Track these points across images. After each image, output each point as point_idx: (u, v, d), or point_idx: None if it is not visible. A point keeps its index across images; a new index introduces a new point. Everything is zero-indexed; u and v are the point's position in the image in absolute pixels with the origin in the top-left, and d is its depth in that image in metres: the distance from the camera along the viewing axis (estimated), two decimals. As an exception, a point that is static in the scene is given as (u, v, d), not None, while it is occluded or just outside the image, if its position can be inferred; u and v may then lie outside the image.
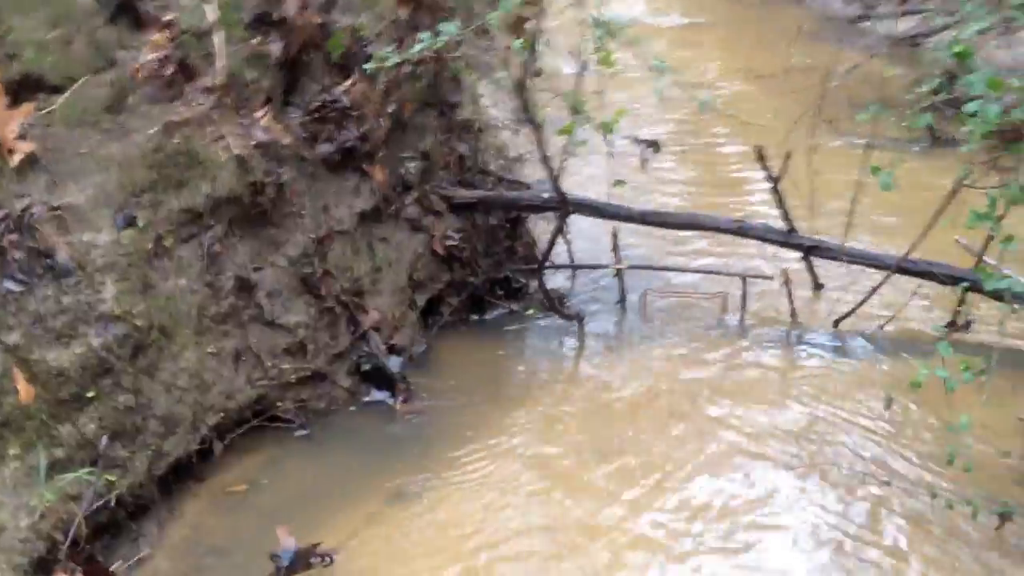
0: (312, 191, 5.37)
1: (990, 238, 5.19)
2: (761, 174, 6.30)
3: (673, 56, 11.04)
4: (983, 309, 5.76)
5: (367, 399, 5.48)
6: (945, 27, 9.20)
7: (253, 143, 4.93)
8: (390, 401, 5.45)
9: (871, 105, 4.45)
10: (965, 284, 5.41)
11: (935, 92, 5.03)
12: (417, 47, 4.12)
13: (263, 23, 5.26)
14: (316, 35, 5.33)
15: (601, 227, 6.87)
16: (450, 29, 3.94)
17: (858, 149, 7.93)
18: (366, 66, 4.51)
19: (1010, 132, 3.44)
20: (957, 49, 3.55)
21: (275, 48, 5.23)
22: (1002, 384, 5.47)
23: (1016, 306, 5.20)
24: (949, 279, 5.71)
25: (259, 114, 5.03)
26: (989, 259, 5.59)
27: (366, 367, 5.47)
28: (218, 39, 4.83)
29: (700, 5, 14.71)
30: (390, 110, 5.68)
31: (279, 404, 5.09)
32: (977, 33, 3.56)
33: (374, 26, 5.51)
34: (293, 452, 5.06)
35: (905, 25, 13.04)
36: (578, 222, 7.20)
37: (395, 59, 4.22)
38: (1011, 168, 3.61)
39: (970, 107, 3.53)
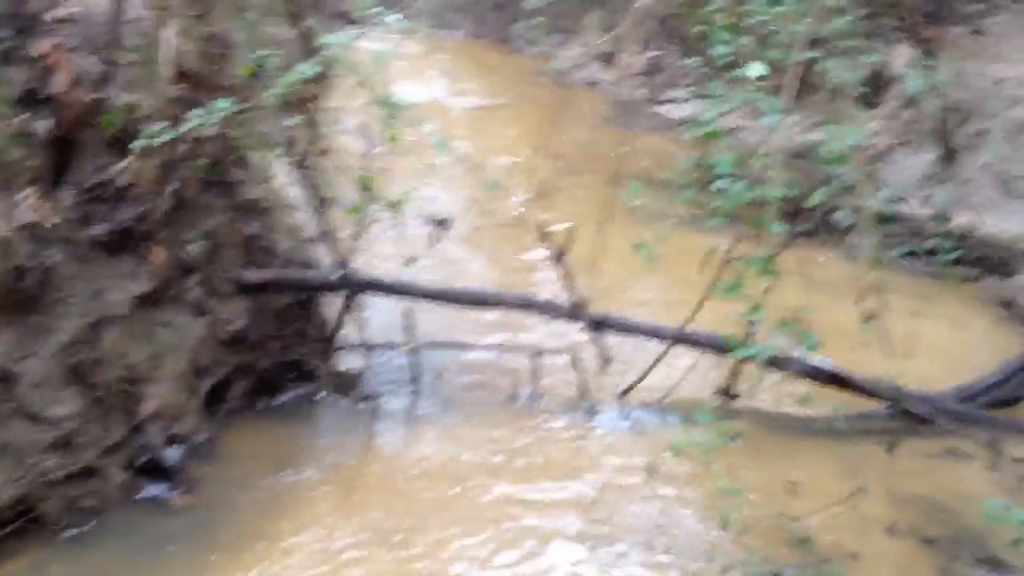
0: (84, 275, 5.13)
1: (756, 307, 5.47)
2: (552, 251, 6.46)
3: (467, 136, 11.30)
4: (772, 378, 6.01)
5: (143, 494, 5.20)
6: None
7: (16, 225, 4.69)
8: (168, 495, 5.20)
9: (633, 184, 4.65)
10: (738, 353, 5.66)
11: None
12: (190, 124, 4.03)
13: (31, 100, 5.05)
14: (89, 112, 5.14)
15: (397, 304, 6.87)
16: (222, 106, 3.89)
17: (651, 227, 8.31)
18: (135, 143, 4.38)
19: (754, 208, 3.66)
20: (707, 130, 3.77)
21: (43, 126, 5.02)
22: (773, 448, 5.78)
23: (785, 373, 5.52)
24: (720, 349, 5.97)
25: (24, 194, 4.79)
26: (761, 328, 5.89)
27: (143, 460, 5.22)
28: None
29: (499, 88, 15.13)
30: (171, 189, 5.52)
31: (43, 503, 4.77)
32: (719, 114, 3.78)
33: (151, 104, 5.37)
34: (60, 555, 4.73)
35: (691, 108, 13.78)
36: (376, 301, 7.19)
37: (166, 136, 4.12)
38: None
39: (717, 184, 3.74)
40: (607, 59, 16.71)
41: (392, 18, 4.56)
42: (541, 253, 6.94)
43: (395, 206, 6.13)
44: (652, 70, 16.00)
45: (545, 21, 16.04)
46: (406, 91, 6.18)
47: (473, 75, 16.57)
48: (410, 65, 15.58)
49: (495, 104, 14.47)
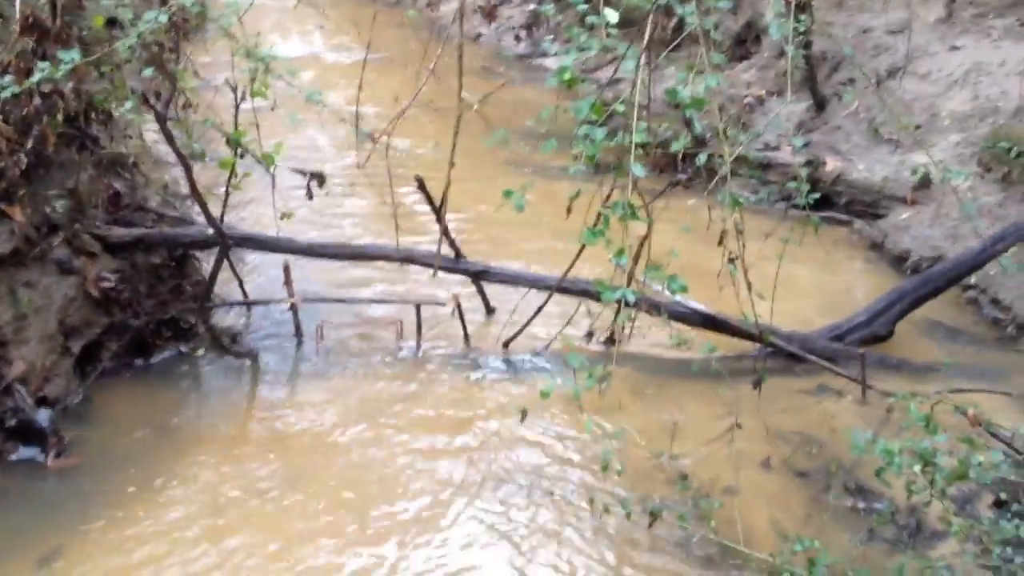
0: (-62, 235, 4.91)
1: (637, 255, 5.53)
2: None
3: (344, 89, 11.13)
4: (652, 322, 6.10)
5: (15, 457, 5.07)
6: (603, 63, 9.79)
7: None
8: (41, 458, 5.06)
9: (496, 132, 4.63)
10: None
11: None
12: (35, 77, 3.85)
13: None
14: (-66, 66, 4.90)
15: (277, 261, 6.76)
16: (70, 57, 3.72)
17: (533, 179, 8.32)
18: (-19, 98, 4.19)
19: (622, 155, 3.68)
20: (566, 77, 3.77)
21: None
22: (654, 391, 5.90)
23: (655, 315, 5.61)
24: (598, 296, 6.02)
25: None
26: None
27: (12, 422, 5.06)
28: None
29: (379, 41, 14.89)
30: (29, 145, 5.29)
31: (-93, 470, 4.59)
32: (575, 60, 3.78)
33: (2, 58, 5.12)
34: (-72, 521, 4.58)
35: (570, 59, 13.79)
36: (255, 257, 7.06)
37: (13, 90, 3.93)
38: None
39: (580, 131, 3.75)
40: (489, 13, 16.62)
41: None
42: (419, 204, 6.90)
43: (267, 160, 6.00)
44: (531, 23, 15.97)
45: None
46: (284, 45, 6.04)
47: (352, 29, 16.28)
48: (288, 18, 15.25)
49: (374, 58, 14.24)
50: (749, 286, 4.48)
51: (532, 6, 16.27)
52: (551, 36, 15.71)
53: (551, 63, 14.66)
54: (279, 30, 15.58)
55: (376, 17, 6.54)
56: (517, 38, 15.30)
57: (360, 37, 14.63)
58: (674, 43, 4.70)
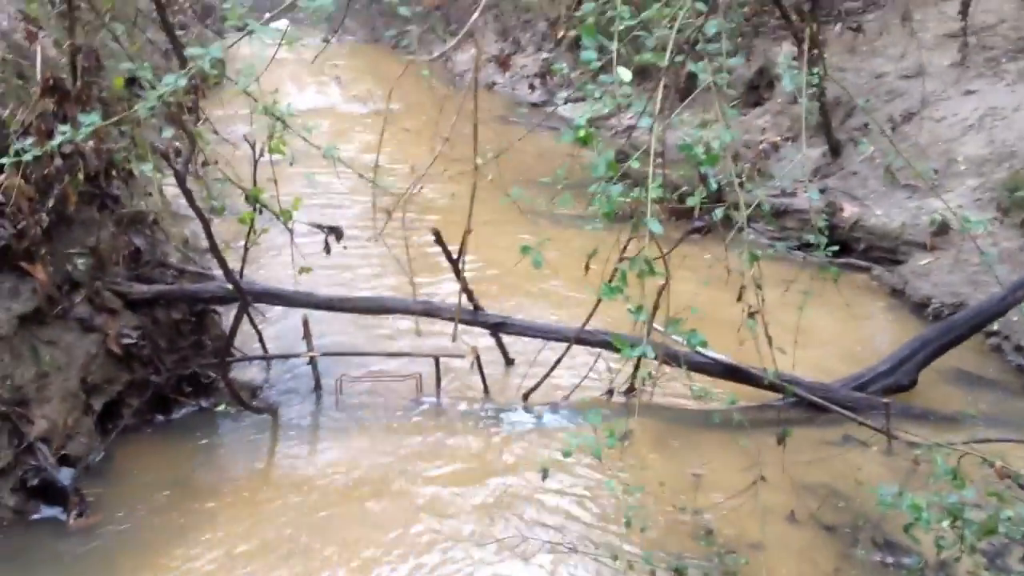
0: (-39, 295, 4.94)
1: (655, 307, 5.52)
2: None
3: (361, 141, 11.21)
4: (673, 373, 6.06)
5: (37, 516, 5.06)
6: (613, 112, 9.82)
7: None
8: (63, 517, 5.05)
9: (512, 192, 4.66)
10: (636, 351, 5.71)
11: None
12: (57, 140, 3.90)
13: None
14: (-42, 129, 4.95)
15: (296, 315, 6.77)
16: (90, 120, 3.76)
17: (550, 228, 8.35)
18: (2, 160, 4.21)
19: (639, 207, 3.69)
20: (580, 134, 3.78)
21: (-92, 143, 4.81)
22: (674, 442, 5.85)
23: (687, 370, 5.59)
24: (612, 348, 6.00)
25: None
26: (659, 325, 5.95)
27: (34, 481, 5.05)
28: None
29: (394, 92, 15.03)
30: (49, 205, 5.34)
31: (-69, 531, 4.59)
32: (590, 118, 3.80)
33: (22, 119, 5.19)
34: (-52, 583, 4.57)
35: (582, 109, 13.89)
36: (274, 311, 7.07)
37: (35, 152, 3.98)
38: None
39: (594, 187, 3.77)
40: (503, 62, 16.80)
41: (278, 24, 4.46)
42: (438, 255, 6.90)
43: (285, 216, 6.04)
44: (545, 72, 16.13)
45: (439, 26, 16.05)
46: (300, 99, 6.09)
47: (367, 80, 16.48)
48: (304, 70, 15.43)
49: (392, 109, 14.37)
50: (770, 341, 4.45)
51: (545, 55, 16.45)
52: (564, 86, 15.85)
53: (565, 111, 14.76)
54: (296, 81, 15.78)
55: (391, 68, 6.55)
56: (531, 87, 15.45)
57: (375, 88, 14.82)
58: (689, 96, 4.71)
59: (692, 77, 4.53)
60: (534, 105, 14.86)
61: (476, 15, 4.05)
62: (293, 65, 14.63)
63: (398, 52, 22.70)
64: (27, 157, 3.98)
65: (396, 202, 4.70)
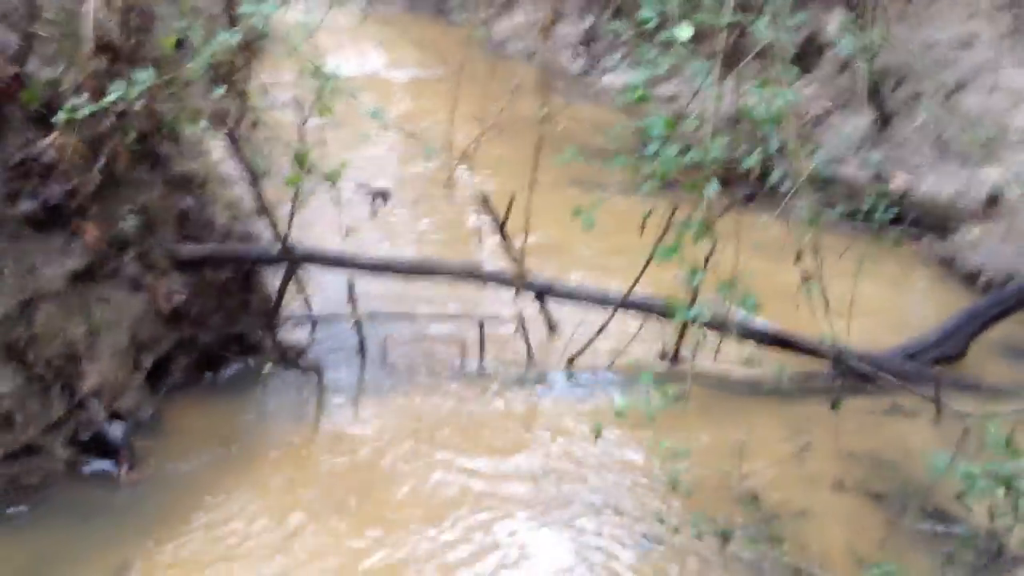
0: (15, 252, 5.00)
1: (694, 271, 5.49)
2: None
3: (405, 107, 11.20)
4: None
5: (88, 469, 5.12)
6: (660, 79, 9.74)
7: (-60, 203, 4.55)
8: (114, 470, 5.11)
9: (569, 150, 4.63)
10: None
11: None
12: (110, 97, 3.91)
13: (-50, 76, 4.88)
14: (9, 88, 4.97)
15: (341, 277, 6.80)
16: (143, 78, 3.77)
17: (589, 193, 8.29)
18: (55, 117, 4.24)
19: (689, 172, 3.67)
20: (637, 94, 3.74)
21: (-38, 101, 4.86)
22: (720, 410, 5.82)
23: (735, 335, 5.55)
24: (664, 313, 5.98)
25: (-54, 172, 4.64)
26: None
27: (85, 436, 5.12)
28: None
29: (436, 60, 14.98)
30: (99, 164, 5.37)
31: (-15, 481, 4.66)
32: (648, 79, 3.77)
33: (73, 78, 5.21)
34: (5, 531, 4.63)
35: (628, 76, 13.79)
36: (319, 272, 7.09)
37: (87, 110, 3.99)
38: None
39: (650, 149, 3.74)
40: (544, 29, 16.64)
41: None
42: (482, 221, 6.90)
43: (332, 177, 6.04)
44: (589, 39, 15.98)
45: (480, -7, 15.95)
46: (342, 64, 6.09)
47: (409, 47, 16.42)
48: (346, 38, 15.41)
49: (432, 76, 14.30)
50: (827, 306, 4.41)
51: (588, 23, 16.28)
52: (606, 53, 15.71)
53: (608, 80, 14.65)
54: (338, 48, 15.76)
55: (431, 36, 6.56)
56: (575, 55, 15.29)
57: (417, 56, 14.79)
58: (745, 58, 4.65)
59: (737, 45, 4.49)
60: (576, 74, 14.73)
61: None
62: (335, 32, 14.63)
63: (438, 20, 22.63)
64: (81, 114, 4.00)
65: (462, 155, 4.66)
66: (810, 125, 9.72)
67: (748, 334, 5.88)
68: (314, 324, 6.71)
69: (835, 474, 5.16)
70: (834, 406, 5.34)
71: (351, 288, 6.42)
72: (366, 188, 6.60)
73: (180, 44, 5.71)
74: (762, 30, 3.97)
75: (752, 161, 4.25)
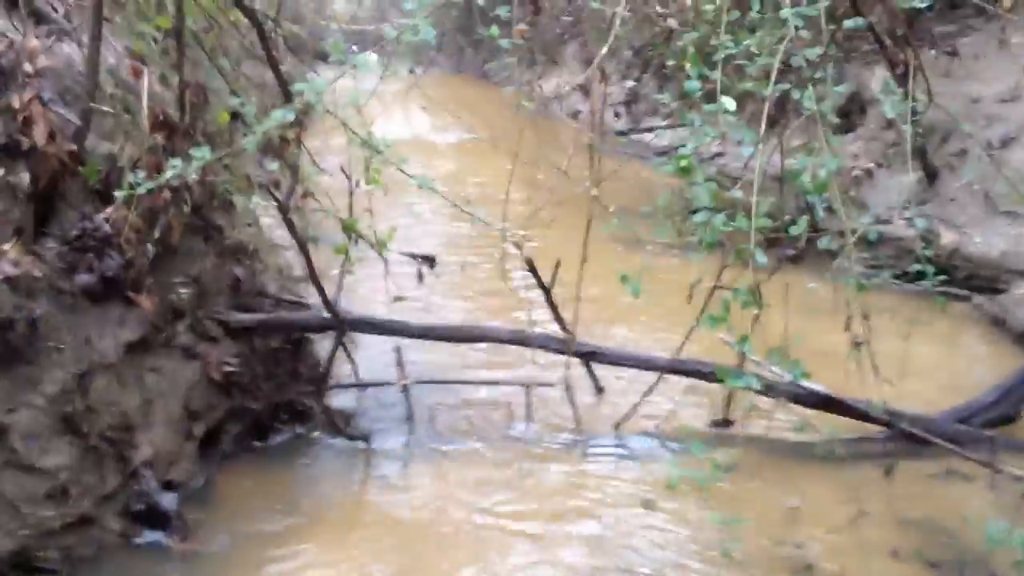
0: (72, 324, 5.09)
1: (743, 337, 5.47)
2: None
3: (452, 171, 11.32)
4: (767, 403, 5.99)
5: (140, 541, 5.15)
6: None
7: (0, 277, 4.66)
8: (166, 541, 5.14)
9: (617, 219, 4.67)
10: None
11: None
12: (169, 174, 4.03)
13: (11, 152, 5.02)
14: (70, 164, 5.13)
15: (388, 343, 6.86)
16: (201, 154, 3.89)
17: (634, 255, 8.33)
18: (116, 193, 4.37)
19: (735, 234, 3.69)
20: (682, 164, 3.79)
21: (23, 178, 5.00)
22: (771, 475, 5.76)
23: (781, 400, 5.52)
24: (712, 378, 5.95)
25: (7, 247, 4.77)
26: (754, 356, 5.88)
27: (138, 507, 5.16)
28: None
29: (480, 122, 15.18)
30: (156, 236, 5.50)
31: (41, 554, 4.70)
32: (696, 148, 3.81)
33: (131, 153, 5.36)
34: (58, 605, 4.68)
35: (670, 137, 13.90)
36: (365, 338, 7.16)
37: (147, 186, 4.11)
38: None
39: (698, 217, 3.77)
40: (586, 90, 16.82)
41: (368, 58, 4.55)
42: (528, 286, 6.93)
43: (381, 245, 6.13)
44: (631, 100, 16.11)
45: (523, 55, 16.16)
46: (387, 128, 6.19)
47: (454, 110, 16.62)
48: (392, 100, 15.65)
49: (477, 138, 14.49)
50: (876, 371, 4.37)
51: (630, 83, 16.44)
52: (649, 113, 15.83)
53: (650, 139, 14.74)
54: (384, 111, 16.02)
55: (477, 97, 6.64)
56: (616, 115, 15.45)
57: (462, 118, 14.97)
58: (778, 123, 4.68)
59: (781, 104, 4.52)
60: (620, 133, 14.85)
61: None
62: (381, 96, 14.87)
63: (484, 81, 22.95)
64: (141, 190, 4.12)
65: (518, 239, 4.73)
66: (855, 182, 9.69)
67: (798, 399, 5.85)
68: (362, 390, 6.76)
69: (891, 542, 5.06)
70: (887, 472, 5.25)
71: (399, 354, 6.47)
72: (412, 253, 6.67)
73: (234, 117, 5.86)
74: (808, 101, 4.00)
75: (799, 229, 4.25)
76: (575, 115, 16.81)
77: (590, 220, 4.77)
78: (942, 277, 4.92)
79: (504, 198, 6.25)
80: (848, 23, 4.41)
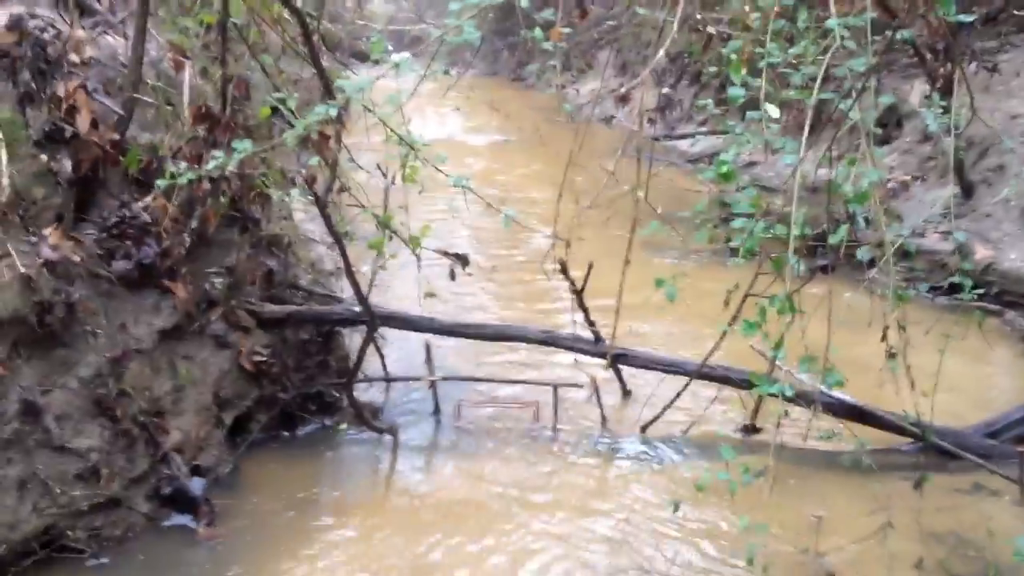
0: (108, 309, 5.18)
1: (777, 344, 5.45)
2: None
3: (484, 172, 11.36)
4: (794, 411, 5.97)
5: (168, 524, 5.22)
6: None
7: (40, 261, 4.74)
8: (192, 525, 5.21)
9: (652, 224, 4.68)
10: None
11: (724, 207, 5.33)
12: (210, 164, 4.09)
13: (54, 140, 5.11)
14: (111, 152, 5.20)
15: (416, 339, 6.90)
16: (243, 147, 3.94)
17: (667, 260, 8.32)
18: (158, 183, 4.45)
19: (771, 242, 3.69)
20: (723, 170, 3.79)
21: (65, 165, 5.08)
22: (798, 484, 5.74)
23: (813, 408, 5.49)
24: (741, 384, 5.94)
25: (47, 232, 4.85)
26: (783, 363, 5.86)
27: (167, 490, 5.23)
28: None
29: (514, 124, 15.22)
30: (192, 226, 5.57)
31: (70, 533, 4.78)
32: (736, 154, 3.81)
33: (172, 143, 5.43)
34: (84, 585, 4.74)
35: (707, 143, 13.88)
36: (394, 334, 7.20)
37: (188, 176, 4.17)
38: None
39: (737, 224, 3.77)
40: (622, 97, 16.81)
41: (405, 58, 4.58)
42: (560, 288, 6.95)
43: (414, 242, 6.15)
44: (664, 106, 16.11)
45: (560, 59, 16.20)
46: (422, 128, 6.22)
47: (488, 112, 16.69)
48: (426, 101, 15.72)
49: (510, 140, 14.53)
50: (912, 383, 4.35)
51: (665, 90, 16.42)
52: (682, 119, 15.81)
53: (684, 145, 14.73)
54: (418, 112, 16.11)
55: (510, 100, 6.67)
56: (650, 121, 15.43)
57: (496, 120, 15.04)
58: (830, 130, 4.65)
59: (818, 114, 4.50)
60: (654, 139, 14.83)
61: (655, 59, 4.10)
62: (416, 96, 14.94)
63: (517, 84, 23.00)
64: (182, 180, 4.17)
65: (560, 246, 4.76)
66: (891, 195, 9.64)
67: (828, 408, 5.81)
68: (390, 384, 6.80)
69: (915, 554, 5.03)
70: (917, 485, 5.22)
71: (428, 350, 6.51)
72: (445, 252, 6.69)
73: (274, 111, 5.92)
74: (850, 110, 3.98)
75: (838, 237, 4.24)
76: (608, 120, 16.84)
77: (635, 222, 4.76)
78: (979, 291, 4.88)
79: (548, 200, 6.26)
80: (899, 34, 4.37)
